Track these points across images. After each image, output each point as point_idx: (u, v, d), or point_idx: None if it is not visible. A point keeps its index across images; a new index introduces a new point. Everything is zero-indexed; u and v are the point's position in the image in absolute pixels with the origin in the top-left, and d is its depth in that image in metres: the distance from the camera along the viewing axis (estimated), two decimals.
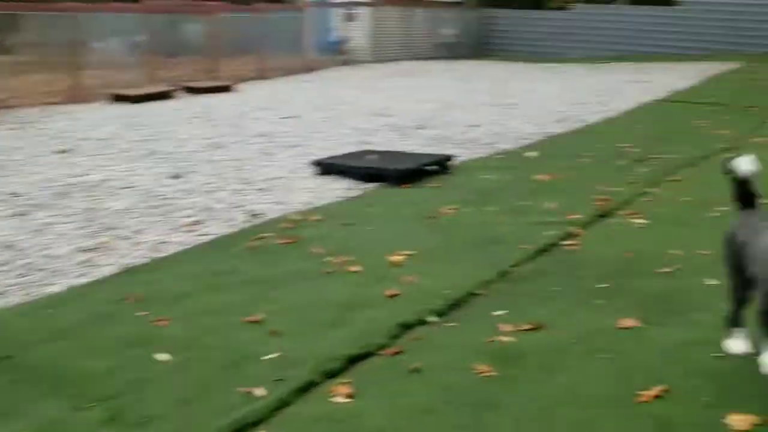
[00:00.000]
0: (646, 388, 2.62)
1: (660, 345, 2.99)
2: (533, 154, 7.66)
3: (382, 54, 19.35)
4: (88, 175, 6.86)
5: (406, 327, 3.32)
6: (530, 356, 2.97)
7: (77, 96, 12.16)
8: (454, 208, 5.47)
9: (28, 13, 13.11)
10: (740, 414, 2.37)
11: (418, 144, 8.42)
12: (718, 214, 5.06)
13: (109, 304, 3.75)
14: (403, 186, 6.33)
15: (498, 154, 7.83)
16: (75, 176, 6.81)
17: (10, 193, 6.21)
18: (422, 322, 3.38)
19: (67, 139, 8.78)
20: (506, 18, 22.53)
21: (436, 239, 4.72)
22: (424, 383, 2.80)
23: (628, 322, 3.23)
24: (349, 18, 19.01)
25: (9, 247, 4.80)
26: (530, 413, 2.54)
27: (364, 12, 19.44)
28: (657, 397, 2.57)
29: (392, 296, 3.72)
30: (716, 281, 3.72)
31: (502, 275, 3.98)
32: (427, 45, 20.98)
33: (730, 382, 2.60)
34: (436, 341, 3.19)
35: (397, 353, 3.07)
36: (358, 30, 19.26)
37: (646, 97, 12.00)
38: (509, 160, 7.41)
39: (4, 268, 4.41)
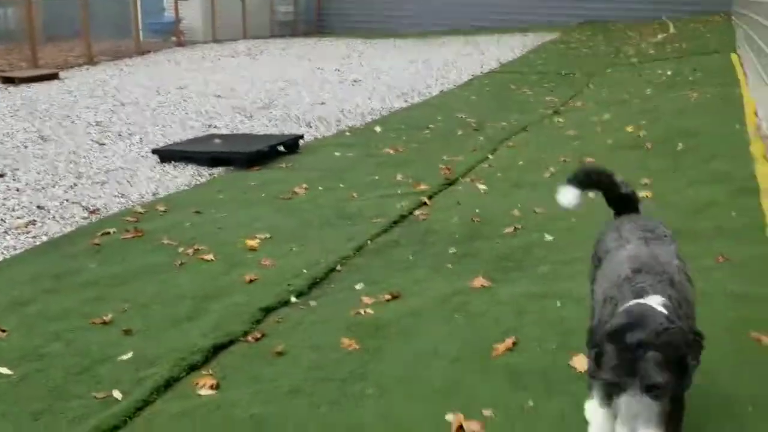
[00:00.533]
0: (499, 342, 2.79)
1: (509, 300, 3.19)
2: (379, 129, 7.81)
3: (217, 34, 18.74)
4: None
5: (268, 311, 3.30)
6: (391, 325, 3.06)
7: None
8: (306, 188, 5.47)
9: None
10: (582, 356, 2.58)
11: (265, 125, 8.31)
12: (549, 174, 5.47)
13: None
14: (253, 169, 6.23)
15: (345, 131, 7.91)
16: None
17: None
18: (284, 304, 3.37)
19: None
20: None
21: (291, 220, 4.71)
22: (290, 365, 2.81)
23: (479, 283, 3.42)
24: None
25: None
26: (394, 380, 2.62)
27: None
28: (509, 349, 2.75)
29: (251, 281, 3.67)
30: (552, 237, 4.04)
31: (359, 249, 4.06)
32: (264, 23, 20.58)
33: (573, 327, 2.83)
34: (298, 321, 3.20)
35: (260, 338, 3.05)
36: (191, 10, 18.48)
37: (479, 69, 12.60)
38: (357, 137, 7.51)
39: None
